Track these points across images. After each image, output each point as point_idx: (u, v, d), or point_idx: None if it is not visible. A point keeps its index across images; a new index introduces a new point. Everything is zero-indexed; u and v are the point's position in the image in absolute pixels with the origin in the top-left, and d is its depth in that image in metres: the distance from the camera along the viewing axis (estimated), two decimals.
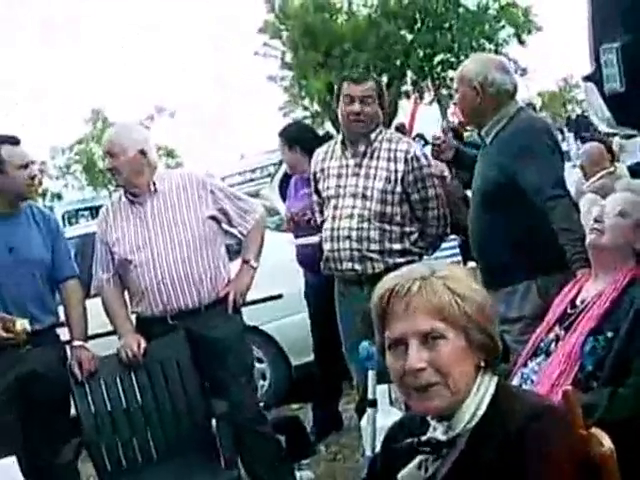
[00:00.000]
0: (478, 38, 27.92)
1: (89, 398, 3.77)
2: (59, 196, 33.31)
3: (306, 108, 28.96)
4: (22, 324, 3.55)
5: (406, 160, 3.94)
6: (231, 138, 46.56)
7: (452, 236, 4.69)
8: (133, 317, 3.94)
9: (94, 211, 19.18)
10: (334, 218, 4.00)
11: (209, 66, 57.24)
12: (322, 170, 4.13)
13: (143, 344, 3.78)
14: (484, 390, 1.75)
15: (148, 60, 51.06)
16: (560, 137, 19.36)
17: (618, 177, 5.98)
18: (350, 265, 3.95)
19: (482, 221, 3.54)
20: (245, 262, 3.99)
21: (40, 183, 4.31)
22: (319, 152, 4.22)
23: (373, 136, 4.01)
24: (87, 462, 3.85)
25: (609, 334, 2.57)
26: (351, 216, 3.95)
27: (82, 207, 26.07)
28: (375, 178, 3.95)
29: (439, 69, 28.34)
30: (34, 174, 3.76)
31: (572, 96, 42.35)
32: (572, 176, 6.51)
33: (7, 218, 3.75)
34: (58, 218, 4.86)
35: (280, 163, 7.54)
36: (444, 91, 27.06)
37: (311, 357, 5.24)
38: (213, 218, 3.88)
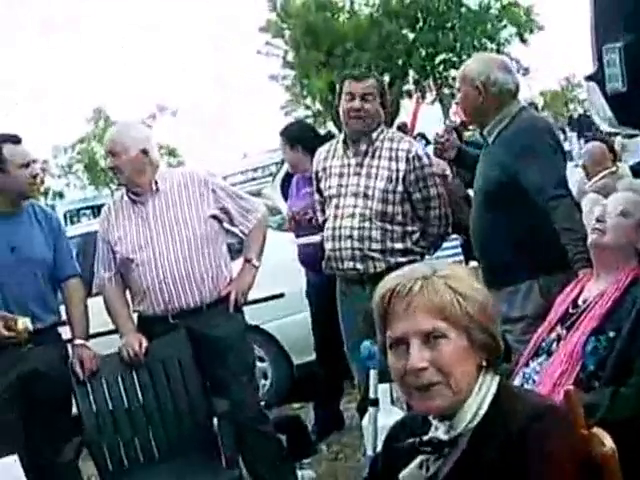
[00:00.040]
0: (480, 37, 27.87)
1: (91, 397, 3.77)
2: (61, 195, 33.38)
3: (308, 107, 28.92)
4: (24, 323, 3.55)
5: (408, 159, 3.94)
6: (233, 137, 46.54)
7: (454, 235, 4.69)
8: (135, 316, 3.94)
9: (96, 210, 19.23)
10: (336, 217, 4.00)
11: (210, 65, 57.23)
12: (324, 169, 4.12)
13: (145, 343, 3.78)
14: (486, 390, 1.75)
15: (149, 60, 51.26)
16: (562, 137, 19.38)
17: (620, 177, 5.97)
18: (352, 264, 3.95)
19: (484, 220, 3.54)
20: (247, 261, 3.98)
21: (42, 182, 4.29)
22: (321, 151, 4.21)
23: (375, 135, 4.00)
24: (88, 461, 3.84)
25: (611, 334, 2.57)
26: (353, 215, 3.95)
27: (84, 206, 26.15)
28: (377, 177, 3.95)
29: (441, 68, 28.30)
30: (36, 173, 3.76)
31: (574, 95, 42.30)
32: (574, 176, 6.50)
33: (9, 217, 3.74)
34: (60, 217, 4.87)
35: (282, 162, 7.53)
36: (446, 90, 27.02)
37: (313, 356, 5.24)
38: (215, 217, 3.88)
